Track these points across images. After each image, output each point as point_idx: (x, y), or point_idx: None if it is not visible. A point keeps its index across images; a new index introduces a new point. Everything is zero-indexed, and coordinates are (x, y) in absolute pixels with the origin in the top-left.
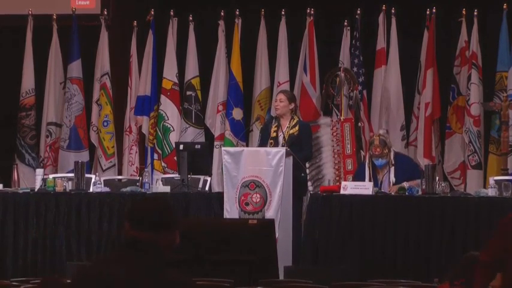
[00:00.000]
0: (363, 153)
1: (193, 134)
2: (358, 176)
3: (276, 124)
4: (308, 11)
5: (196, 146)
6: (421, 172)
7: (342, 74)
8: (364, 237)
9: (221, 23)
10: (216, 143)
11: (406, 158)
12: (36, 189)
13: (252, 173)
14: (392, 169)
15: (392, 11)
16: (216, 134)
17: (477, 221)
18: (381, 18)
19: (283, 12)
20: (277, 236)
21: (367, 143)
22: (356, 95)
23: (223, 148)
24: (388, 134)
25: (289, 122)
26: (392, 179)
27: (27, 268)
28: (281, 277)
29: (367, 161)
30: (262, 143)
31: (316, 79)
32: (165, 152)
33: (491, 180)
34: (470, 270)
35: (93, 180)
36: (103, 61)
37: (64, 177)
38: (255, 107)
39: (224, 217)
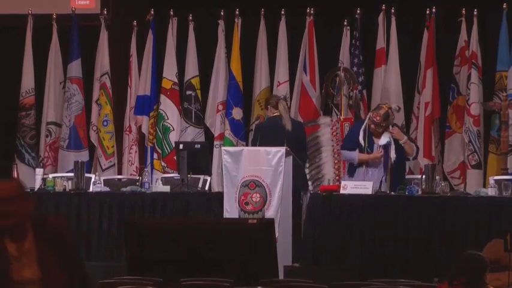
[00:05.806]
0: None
1: (193, 134)
2: (351, 137)
3: None
4: (308, 11)
5: (196, 146)
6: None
7: (342, 74)
8: (364, 237)
9: (221, 22)
10: (215, 142)
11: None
12: (36, 189)
13: (251, 173)
14: (393, 146)
15: (392, 11)
16: (216, 133)
17: (477, 221)
18: (381, 17)
19: (283, 12)
20: (277, 235)
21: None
22: (356, 94)
23: (223, 148)
24: (397, 112)
25: None
26: (393, 155)
27: None
28: (281, 277)
29: (366, 121)
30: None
31: (316, 79)
32: (165, 151)
33: (491, 179)
34: (470, 270)
35: (93, 179)
36: (103, 61)
37: (64, 176)
38: (255, 106)
39: (224, 217)
